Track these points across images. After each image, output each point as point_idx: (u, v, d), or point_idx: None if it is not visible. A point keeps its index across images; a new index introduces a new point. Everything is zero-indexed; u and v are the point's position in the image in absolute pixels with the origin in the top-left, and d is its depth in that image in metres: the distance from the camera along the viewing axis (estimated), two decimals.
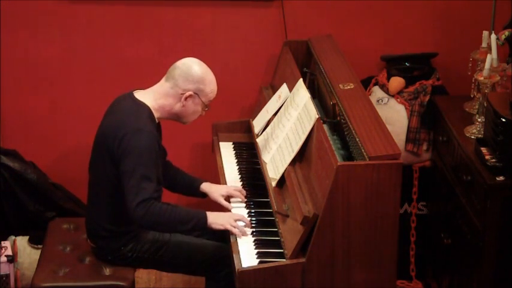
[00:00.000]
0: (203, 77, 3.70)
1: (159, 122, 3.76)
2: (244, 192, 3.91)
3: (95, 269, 3.78)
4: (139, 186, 3.53)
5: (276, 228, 3.61)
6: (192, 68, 3.69)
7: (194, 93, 3.69)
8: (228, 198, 3.90)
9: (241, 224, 3.65)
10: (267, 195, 3.81)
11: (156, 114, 3.70)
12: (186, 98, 3.68)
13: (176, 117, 3.75)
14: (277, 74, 4.47)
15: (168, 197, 3.96)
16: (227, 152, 4.31)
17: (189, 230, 3.68)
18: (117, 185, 3.62)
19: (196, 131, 4.72)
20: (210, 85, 3.73)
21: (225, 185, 4.00)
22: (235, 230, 3.61)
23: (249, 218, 3.71)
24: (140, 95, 3.72)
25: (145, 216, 3.53)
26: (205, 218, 3.64)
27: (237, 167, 4.17)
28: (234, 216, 3.68)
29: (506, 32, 4.01)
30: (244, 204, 3.87)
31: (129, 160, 3.55)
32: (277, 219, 3.62)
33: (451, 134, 4.05)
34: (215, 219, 3.64)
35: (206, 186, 3.97)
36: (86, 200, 3.88)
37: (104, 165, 3.66)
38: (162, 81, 3.73)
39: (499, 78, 3.92)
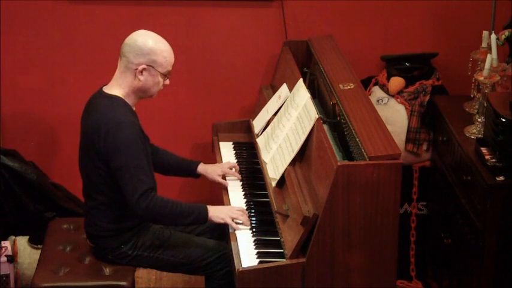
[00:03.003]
0: (153, 47, 3.63)
1: (134, 110, 3.74)
2: (237, 167, 4.04)
3: (95, 269, 3.78)
4: (135, 179, 3.53)
5: (276, 228, 3.61)
6: (140, 41, 3.63)
7: (148, 65, 3.62)
8: (224, 177, 4.05)
9: (240, 221, 3.69)
10: (267, 195, 3.82)
11: (129, 102, 3.68)
12: (141, 72, 3.62)
13: (141, 93, 3.69)
14: (277, 74, 4.47)
15: (170, 193, 3.96)
16: (227, 152, 4.31)
17: (190, 223, 3.72)
18: (110, 182, 3.63)
19: (196, 131, 4.73)
20: (163, 53, 3.65)
21: (219, 164, 4.08)
22: (234, 225, 3.65)
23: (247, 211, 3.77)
24: (108, 89, 3.70)
25: (147, 208, 3.54)
26: (206, 211, 3.66)
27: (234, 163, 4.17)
28: (234, 210, 3.71)
29: (506, 32, 4.01)
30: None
31: (118, 156, 3.55)
32: (277, 219, 3.62)
33: (451, 134, 4.04)
34: (215, 213, 3.67)
35: (202, 168, 4.03)
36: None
37: (93, 166, 3.65)
38: (118, 62, 3.70)
39: (499, 78, 3.92)
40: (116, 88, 3.68)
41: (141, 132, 3.64)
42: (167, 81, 3.72)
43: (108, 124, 3.57)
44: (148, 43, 3.63)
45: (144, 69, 3.63)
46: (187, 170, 4.05)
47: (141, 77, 3.63)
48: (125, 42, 3.67)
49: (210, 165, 4.06)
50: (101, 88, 3.72)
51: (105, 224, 3.73)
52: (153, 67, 3.63)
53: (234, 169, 4.06)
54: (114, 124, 3.56)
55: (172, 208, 3.61)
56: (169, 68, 3.69)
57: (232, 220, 3.66)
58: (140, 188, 3.54)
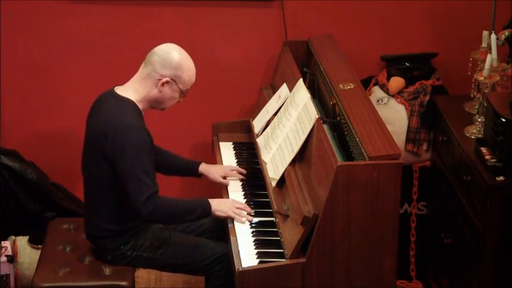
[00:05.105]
0: (181, 63, 3.65)
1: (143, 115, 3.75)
2: (242, 170, 4.00)
3: (94, 269, 3.78)
4: (141, 183, 3.54)
5: (276, 228, 3.61)
6: (170, 54, 3.65)
7: (171, 79, 3.63)
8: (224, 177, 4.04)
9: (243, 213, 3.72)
10: (267, 195, 3.81)
11: (140, 107, 3.67)
12: (162, 84, 3.63)
13: (154, 103, 3.70)
14: (277, 74, 4.47)
15: (171, 191, 3.96)
16: (227, 152, 4.31)
17: (194, 220, 3.74)
18: (113, 184, 3.63)
19: (196, 131, 4.73)
20: (188, 72, 3.67)
21: (221, 166, 4.07)
22: (237, 217, 3.67)
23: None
24: (122, 91, 3.69)
25: (154, 211, 3.55)
26: (208, 205, 3.68)
27: (237, 167, 4.17)
28: (235, 204, 3.73)
29: (506, 32, 4.01)
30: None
31: (125, 159, 3.55)
32: (277, 219, 3.62)
33: (451, 134, 4.05)
34: (218, 206, 3.69)
35: (204, 168, 4.02)
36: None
37: (97, 166, 3.65)
38: (141, 67, 3.69)
39: (499, 78, 3.92)
40: (131, 92, 3.67)
41: (150, 137, 3.63)
42: (181, 100, 3.74)
43: (117, 126, 3.56)
44: (177, 58, 3.64)
45: (167, 81, 3.63)
46: (189, 170, 4.05)
47: (162, 89, 3.64)
48: (154, 51, 3.67)
49: (212, 165, 4.06)
50: (113, 88, 3.71)
51: (105, 224, 3.73)
52: (176, 82, 3.65)
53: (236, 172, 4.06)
54: (123, 127, 3.56)
55: (177, 207, 3.62)
56: (189, 88, 3.71)
57: (235, 214, 3.69)
58: (146, 192, 3.54)
